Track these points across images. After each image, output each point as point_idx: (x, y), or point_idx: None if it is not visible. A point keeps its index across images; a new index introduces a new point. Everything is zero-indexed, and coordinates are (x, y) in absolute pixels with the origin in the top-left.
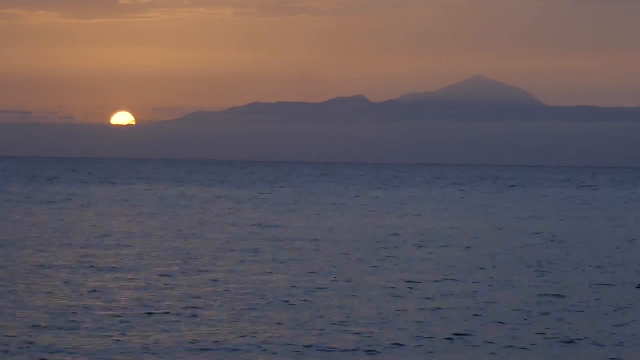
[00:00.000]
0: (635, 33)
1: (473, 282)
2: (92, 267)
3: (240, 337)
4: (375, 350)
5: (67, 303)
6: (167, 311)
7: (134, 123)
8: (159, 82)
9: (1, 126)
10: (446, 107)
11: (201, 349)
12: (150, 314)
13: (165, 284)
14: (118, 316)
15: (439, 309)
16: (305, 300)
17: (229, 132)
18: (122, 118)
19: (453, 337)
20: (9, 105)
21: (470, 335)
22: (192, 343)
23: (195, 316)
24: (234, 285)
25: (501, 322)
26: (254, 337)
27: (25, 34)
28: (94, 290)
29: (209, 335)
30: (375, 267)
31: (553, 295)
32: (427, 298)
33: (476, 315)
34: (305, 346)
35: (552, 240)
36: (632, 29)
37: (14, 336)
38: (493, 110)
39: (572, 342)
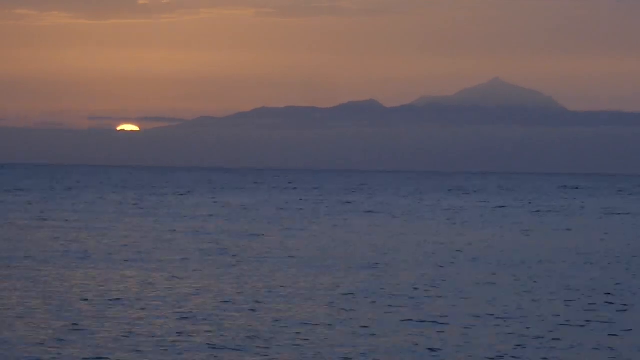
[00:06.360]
0: None
1: None
2: None
3: None
4: None
5: None
6: None
7: (138, 129)
8: (164, 85)
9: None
10: (463, 112)
11: None
12: None
13: None
14: None
15: None
16: None
17: (235, 138)
18: (127, 123)
19: None
20: (14, 107)
21: None
22: None
23: None
24: None
25: None
26: None
27: (36, 34)
28: None
29: None
30: None
31: None
32: None
33: None
34: None
35: None
36: None
37: None
38: (512, 115)
39: None
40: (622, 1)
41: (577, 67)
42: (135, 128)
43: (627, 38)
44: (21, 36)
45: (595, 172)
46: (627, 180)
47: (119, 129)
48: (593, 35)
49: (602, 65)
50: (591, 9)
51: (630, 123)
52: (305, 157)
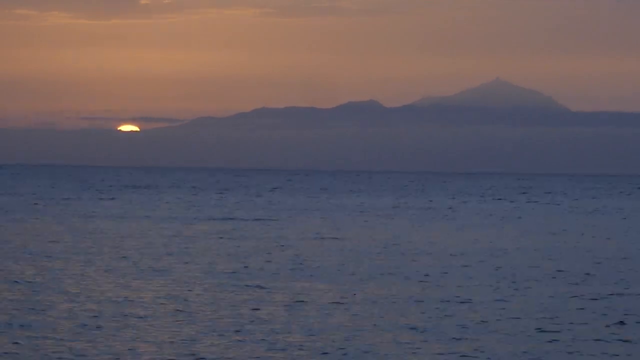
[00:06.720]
0: None
1: None
2: None
3: None
4: None
5: None
6: None
7: (138, 129)
8: (164, 85)
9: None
10: (463, 112)
11: None
12: None
13: None
14: None
15: None
16: None
17: (235, 138)
18: (127, 124)
19: None
20: (14, 108)
21: None
22: None
23: None
24: None
25: None
26: None
27: (36, 34)
28: None
29: None
30: None
31: None
32: None
33: None
34: None
35: None
36: None
37: None
38: (513, 115)
39: None
40: (622, 1)
41: (577, 67)
42: (135, 128)
43: (627, 38)
44: (21, 36)
45: (595, 172)
46: (625, 180)
47: (118, 129)
48: (593, 35)
49: (602, 65)
50: (591, 9)
51: (630, 123)
52: (305, 157)
